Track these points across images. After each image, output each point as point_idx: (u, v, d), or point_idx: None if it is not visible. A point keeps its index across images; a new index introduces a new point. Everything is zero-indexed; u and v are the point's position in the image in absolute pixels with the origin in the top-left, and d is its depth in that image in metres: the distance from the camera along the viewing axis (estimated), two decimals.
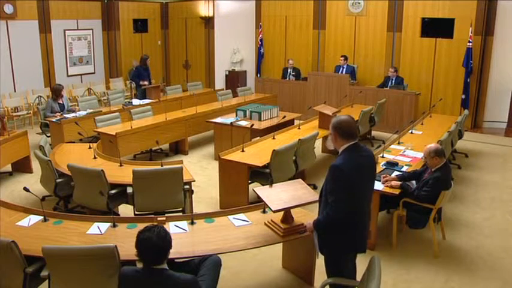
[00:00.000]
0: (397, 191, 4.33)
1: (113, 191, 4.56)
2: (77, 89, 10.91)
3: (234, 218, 3.74)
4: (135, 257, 2.64)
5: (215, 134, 7.24)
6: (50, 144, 6.44)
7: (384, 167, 4.96)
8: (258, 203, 3.95)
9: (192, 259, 3.22)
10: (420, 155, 5.41)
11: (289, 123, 7.27)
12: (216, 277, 3.12)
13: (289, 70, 10.37)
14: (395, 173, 4.77)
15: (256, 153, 5.54)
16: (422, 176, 4.59)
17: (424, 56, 9.57)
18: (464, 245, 4.62)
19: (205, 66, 12.79)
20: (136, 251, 2.59)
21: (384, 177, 4.49)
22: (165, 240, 2.59)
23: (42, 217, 3.71)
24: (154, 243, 2.54)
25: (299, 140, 5.53)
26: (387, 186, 4.39)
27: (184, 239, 3.42)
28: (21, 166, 6.68)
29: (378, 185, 4.41)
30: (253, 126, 6.53)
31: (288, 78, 10.35)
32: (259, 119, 7.16)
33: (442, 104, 8.98)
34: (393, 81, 9.10)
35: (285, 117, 7.32)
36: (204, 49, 12.69)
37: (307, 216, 3.64)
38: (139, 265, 2.70)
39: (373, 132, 8.57)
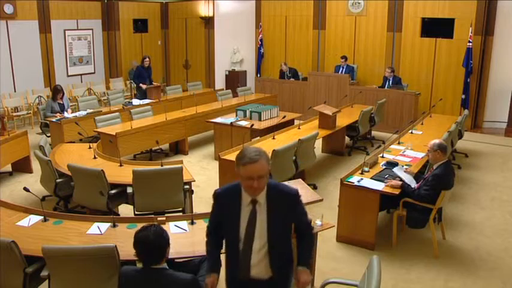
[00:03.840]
0: (397, 191, 4.33)
1: (113, 191, 4.56)
2: (77, 89, 10.91)
3: None
4: (135, 257, 2.64)
5: (215, 134, 7.23)
6: (50, 144, 6.43)
7: (384, 167, 4.93)
8: None
9: (192, 259, 3.22)
10: (420, 155, 5.42)
11: (289, 123, 7.27)
12: None
13: (285, 73, 10.40)
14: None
15: None
16: (424, 175, 4.59)
17: (424, 56, 9.57)
18: (464, 245, 4.62)
19: (205, 66, 12.79)
20: (135, 251, 2.59)
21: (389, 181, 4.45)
22: (162, 238, 2.58)
23: (42, 217, 3.71)
24: (151, 241, 2.54)
25: (299, 140, 5.53)
26: (388, 185, 4.39)
27: (184, 239, 3.42)
28: (21, 166, 6.68)
29: (378, 185, 4.41)
30: (253, 126, 6.53)
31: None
32: (259, 119, 7.15)
33: (442, 104, 8.97)
34: (390, 81, 9.10)
35: (285, 117, 7.32)
36: (204, 49, 12.69)
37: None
38: (139, 265, 2.69)
39: (373, 132, 8.57)
